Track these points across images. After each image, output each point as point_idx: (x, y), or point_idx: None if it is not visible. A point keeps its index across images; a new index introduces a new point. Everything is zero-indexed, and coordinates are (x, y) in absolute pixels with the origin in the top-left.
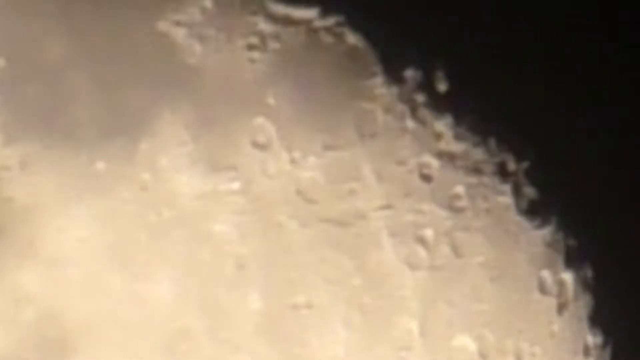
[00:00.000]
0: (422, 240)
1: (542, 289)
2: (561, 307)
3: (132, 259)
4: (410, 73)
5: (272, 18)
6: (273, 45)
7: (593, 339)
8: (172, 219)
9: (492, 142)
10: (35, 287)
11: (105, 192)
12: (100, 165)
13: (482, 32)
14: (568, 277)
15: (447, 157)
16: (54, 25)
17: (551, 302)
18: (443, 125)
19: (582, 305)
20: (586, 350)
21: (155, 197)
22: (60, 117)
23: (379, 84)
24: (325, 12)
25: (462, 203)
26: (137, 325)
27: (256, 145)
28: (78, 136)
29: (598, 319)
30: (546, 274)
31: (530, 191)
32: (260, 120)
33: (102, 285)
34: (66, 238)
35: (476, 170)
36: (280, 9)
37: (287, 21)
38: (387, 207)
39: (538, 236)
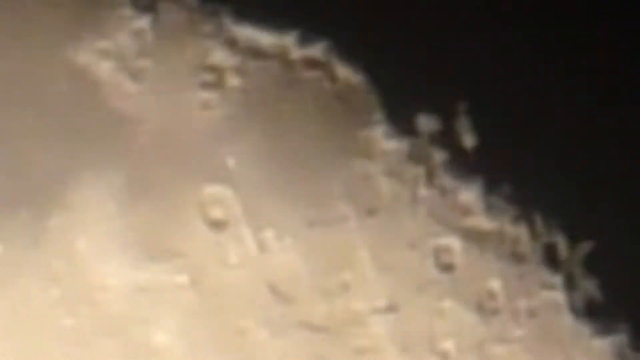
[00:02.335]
0: (441, 355)
1: None
2: None
3: None
4: (423, 120)
5: (234, 45)
6: (234, 82)
7: None
8: (94, 324)
9: (538, 217)
10: None
11: (3, 286)
12: None
13: (518, 62)
14: None
15: (475, 238)
16: None
17: None
18: (470, 193)
19: None
20: None
21: (70, 293)
22: None
23: (380, 136)
24: (306, 36)
25: (497, 303)
26: None
27: (211, 222)
28: None
29: None
30: None
31: (589, 285)
32: (216, 188)
33: None
34: None
35: (515, 256)
36: (246, 33)
37: (255, 50)
38: (392, 308)
39: (601, 348)
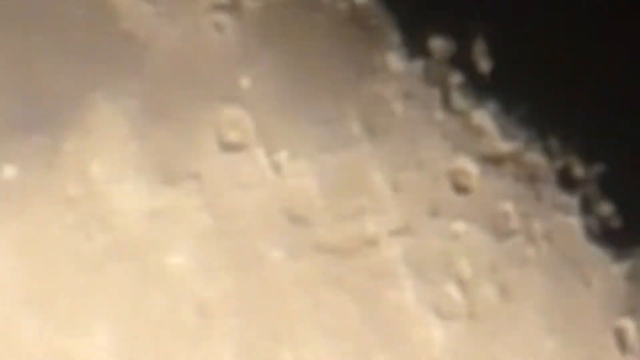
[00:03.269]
0: (456, 278)
1: (622, 345)
2: None
3: (55, 303)
4: (439, 43)
5: None
6: (249, 4)
7: None
8: (109, 247)
9: (553, 138)
10: None
11: (18, 210)
12: (10, 172)
13: None
14: None
15: (490, 160)
16: None
17: None
18: (486, 116)
19: None
20: None
21: (85, 217)
22: None
23: (396, 59)
24: None
25: (512, 224)
26: None
27: (226, 145)
28: None
29: None
30: (628, 324)
31: (605, 208)
32: (231, 110)
33: (12, 337)
34: None
35: (531, 178)
36: None
37: None
38: (407, 230)
39: (616, 272)
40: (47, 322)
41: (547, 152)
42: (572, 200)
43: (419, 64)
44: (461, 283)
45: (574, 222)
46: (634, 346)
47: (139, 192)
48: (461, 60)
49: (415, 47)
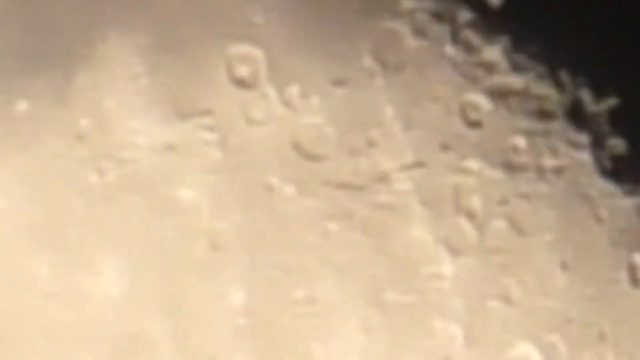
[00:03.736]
0: (467, 213)
1: (634, 279)
2: None
3: (66, 238)
4: None
5: None
6: None
7: None
8: (120, 181)
9: (564, 73)
10: None
11: (29, 144)
12: (22, 106)
13: None
14: None
15: (501, 94)
16: None
17: None
18: (496, 51)
19: None
20: None
21: (96, 151)
22: None
23: None
24: None
25: (523, 159)
26: (72, 330)
27: (237, 80)
28: None
29: None
30: (639, 259)
31: (616, 143)
32: (242, 46)
33: (24, 274)
34: None
35: (541, 113)
36: None
37: None
38: (418, 165)
39: (628, 206)
40: (57, 256)
41: (558, 86)
42: (582, 136)
43: (429, 0)
44: (472, 217)
45: (585, 157)
46: None
47: (150, 126)
48: None
49: None
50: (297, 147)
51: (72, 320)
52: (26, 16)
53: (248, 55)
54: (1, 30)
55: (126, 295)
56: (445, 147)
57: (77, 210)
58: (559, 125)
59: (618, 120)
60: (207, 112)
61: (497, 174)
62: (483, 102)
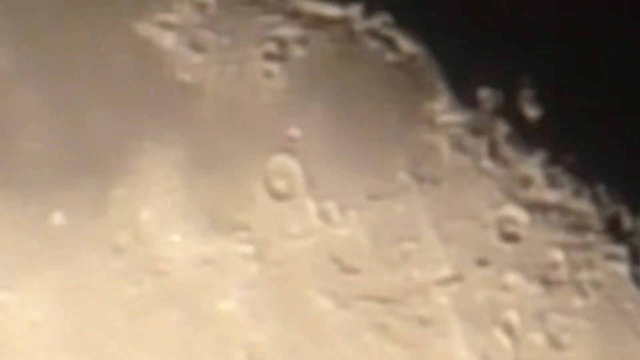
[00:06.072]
0: (504, 327)
1: None
2: None
3: (103, 352)
4: (486, 93)
5: (297, 16)
6: (298, 53)
7: None
8: (157, 293)
9: (601, 188)
10: None
11: (65, 257)
12: (58, 218)
13: (581, 36)
14: None
15: (538, 209)
16: None
17: None
18: (533, 165)
19: None
20: None
21: (134, 264)
22: (4, 151)
23: (443, 108)
24: (371, 8)
25: (560, 274)
26: None
27: (275, 193)
28: (27, 178)
29: None
30: None
31: None
32: (280, 158)
33: None
34: (10, 321)
35: (579, 227)
36: (309, 5)
37: (318, 21)
38: (456, 279)
39: None
40: None
41: (595, 201)
42: (620, 248)
43: (466, 114)
44: (509, 332)
45: (623, 271)
46: None
47: (187, 239)
48: (508, 110)
49: (462, 96)
50: (334, 260)
51: None
52: (63, 128)
53: (285, 169)
54: (39, 142)
55: None
56: (482, 262)
57: (114, 323)
58: (596, 238)
59: None
60: (245, 226)
61: (534, 288)
62: (520, 216)
